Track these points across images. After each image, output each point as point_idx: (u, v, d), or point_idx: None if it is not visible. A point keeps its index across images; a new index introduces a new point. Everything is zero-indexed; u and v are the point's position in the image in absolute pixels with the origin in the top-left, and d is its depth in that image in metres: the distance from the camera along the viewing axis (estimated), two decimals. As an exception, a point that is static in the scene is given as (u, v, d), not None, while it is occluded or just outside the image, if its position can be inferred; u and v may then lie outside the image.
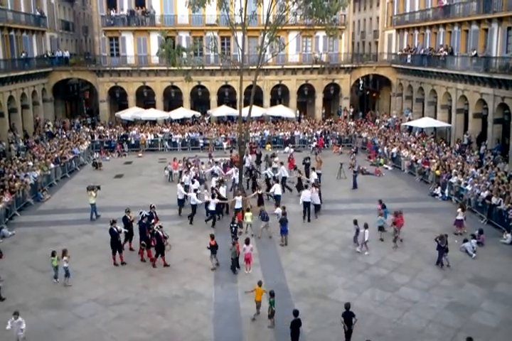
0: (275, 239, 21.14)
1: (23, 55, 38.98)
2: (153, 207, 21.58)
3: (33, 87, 40.77)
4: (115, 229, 18.95)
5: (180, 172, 29.32)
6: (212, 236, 18.30)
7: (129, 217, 20.10)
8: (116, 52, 45.37)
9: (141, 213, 20.09)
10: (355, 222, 20.41)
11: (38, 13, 42.50)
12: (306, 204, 23.25)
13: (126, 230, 19.89)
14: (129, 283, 17.62)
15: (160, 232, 18.78)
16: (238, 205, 22.80)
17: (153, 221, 20.22)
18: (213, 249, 18.17)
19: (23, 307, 15.88)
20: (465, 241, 19.92)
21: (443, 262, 18.60)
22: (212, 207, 22.63)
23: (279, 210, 21.71)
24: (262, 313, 15.06)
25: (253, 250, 18.53)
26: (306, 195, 23.33)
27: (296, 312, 13.45)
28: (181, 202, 24.33)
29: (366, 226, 19.54)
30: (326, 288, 16.92)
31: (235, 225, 20.57)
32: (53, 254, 17.64)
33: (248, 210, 22.20)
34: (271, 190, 24.70)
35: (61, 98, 48.60)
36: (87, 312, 15.67)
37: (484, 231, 20.67)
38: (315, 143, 38.42)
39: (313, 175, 26.42)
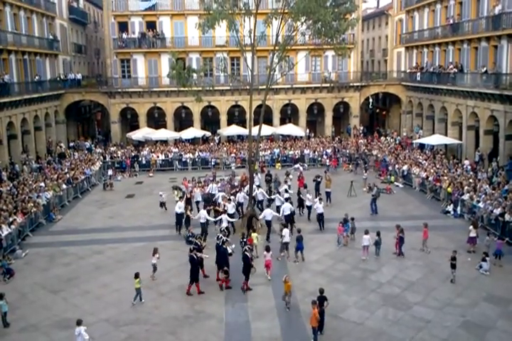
0: (287, 257, 21.02)
1: (37, 77, 39.67)
2: (226, 229, 21.44)
3: (45, 109, 41.34)
4: (195, 257, 17.84)
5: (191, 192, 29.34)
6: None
7: (200, 243, 19.09)
8: (127, 73, 46.05)
9: (220, 238, 19.04)
10: (366, 232, 20.92)
11: (51, 37, 43.42)
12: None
13: (207, 255, 18.85)
14: (140, 303, 17.55)
15: (248, 254, 17.97)
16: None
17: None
18: None
19: (35, 328, 15.94)
20: (484, 259, 19.48)
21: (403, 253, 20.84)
22: (225, 224, 22.45)
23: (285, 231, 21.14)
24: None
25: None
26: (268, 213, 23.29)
27: None
28: (180, 219, 24.36)
29: (366, 232, 20.84)
30: (337, 308, 16.71)
31: (245, 241, 20.47)
32: (137, 276, 17.04)
33: (254, 231, 21.72)
34: (260, 216, 23.82)
35: (73, 120, 49.15)
36: (97, 333, 15.59)
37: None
38: (327, 162, 38.28)
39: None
